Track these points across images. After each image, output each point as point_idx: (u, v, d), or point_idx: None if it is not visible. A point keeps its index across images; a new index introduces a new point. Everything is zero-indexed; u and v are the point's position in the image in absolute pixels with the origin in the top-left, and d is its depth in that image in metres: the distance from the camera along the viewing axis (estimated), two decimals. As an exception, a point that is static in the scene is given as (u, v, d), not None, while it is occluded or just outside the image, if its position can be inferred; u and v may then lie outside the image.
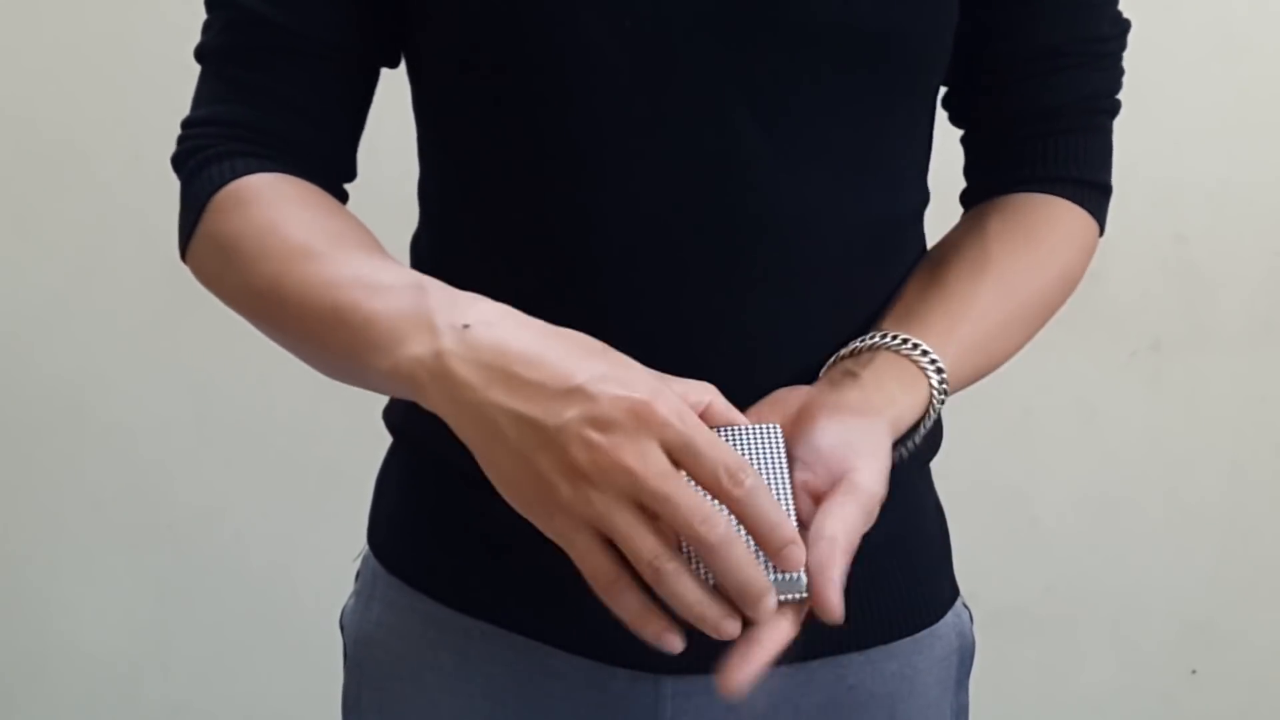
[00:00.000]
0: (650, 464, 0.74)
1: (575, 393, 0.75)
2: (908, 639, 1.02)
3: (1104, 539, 2.16)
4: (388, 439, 1.06)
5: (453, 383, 0.77)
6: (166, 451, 2.13)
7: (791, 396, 0.88)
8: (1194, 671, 2.20)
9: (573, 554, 0.77)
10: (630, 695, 0.98)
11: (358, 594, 1.08)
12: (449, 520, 1.00)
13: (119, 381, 2.11)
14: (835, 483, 0.81)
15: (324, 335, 0.84)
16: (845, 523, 0.79)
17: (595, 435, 0.74)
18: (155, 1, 1.98)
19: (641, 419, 0.74)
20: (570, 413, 0.74)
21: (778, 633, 0.77)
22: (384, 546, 1.06)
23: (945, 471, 1.06)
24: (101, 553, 2.16)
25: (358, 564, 1.09)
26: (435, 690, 1.02)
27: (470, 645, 1.01)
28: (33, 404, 2.13)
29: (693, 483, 0.76)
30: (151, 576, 2.17)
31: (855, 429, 0.84)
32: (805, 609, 0.79)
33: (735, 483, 0.75)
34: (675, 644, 0.77)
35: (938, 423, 1.03)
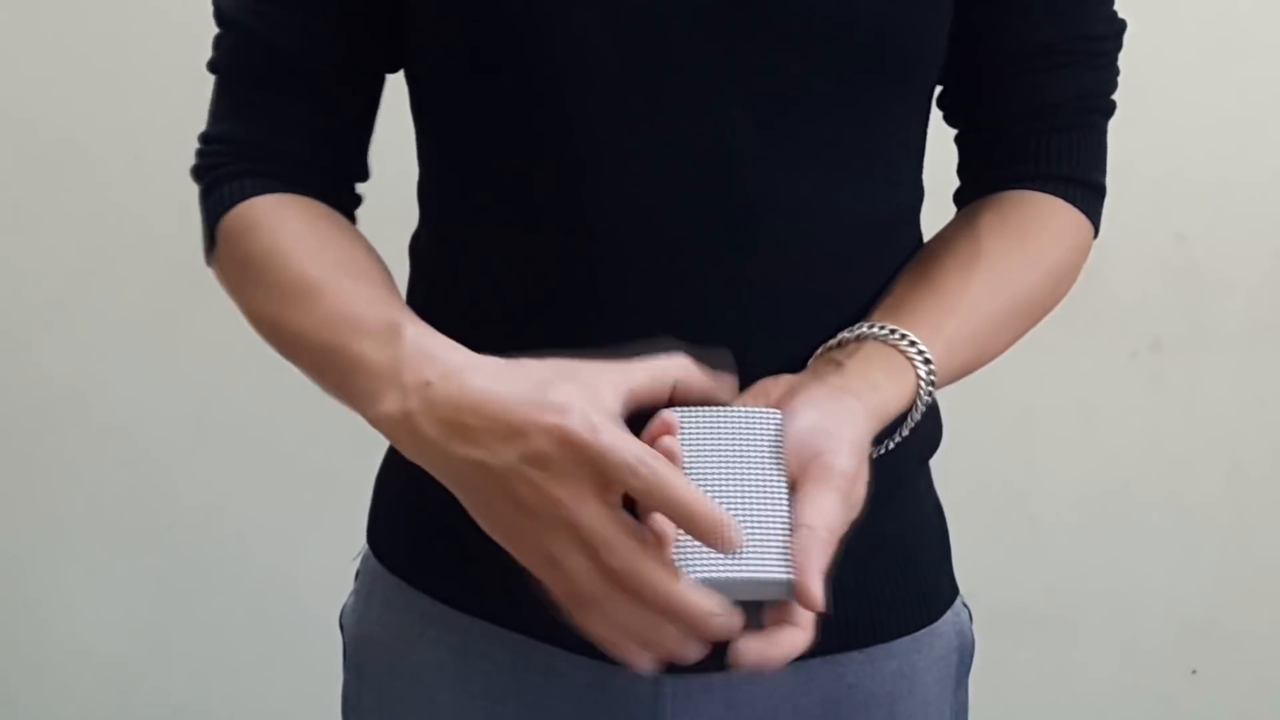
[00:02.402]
0: (576, 496, 0.75)
1: (515, 433, 0.76)
2: (907, 637, 1.01)
3: (1104, 539, 2.16)
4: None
5: (420, 440, 0.80)
6: (166, 451, 2.13)
7: (774, 386, 0.87)
8: (1194, 671, 2.20)
9: (550, 585, 0.78)
10: (630, 695, 0.98)
11: (357, 593, 1.08)
12: (448, 519, 0.99)
13: (119, 382, 2.11)
14: (806, 468, 0.80)
15: (317, 373, 0.90)
16: (823, 511, 0.78)
17: (533, 472, 0.75)
18: (155, 1, 1.98)
19: (569, 446, 0.74)
20: (512, 454, 0.76)
21: (791, 638, 0.77)
22: (383, 545, 1.06)
23: (945, 471, 1.06)
24: (101, 553, 2.16)
25: (357, 563, 1.09)
26: (435, 689, 1.02)
27: (470, 644, 1.01)
28: (33, 404, 2.12)
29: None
30: (151, 576, 2.17)
31: (828, 412, 0.83)
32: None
33: (635, 476, 0.74)
34: (643, 663, 0.77)
35: (937, 421, 1.03)
